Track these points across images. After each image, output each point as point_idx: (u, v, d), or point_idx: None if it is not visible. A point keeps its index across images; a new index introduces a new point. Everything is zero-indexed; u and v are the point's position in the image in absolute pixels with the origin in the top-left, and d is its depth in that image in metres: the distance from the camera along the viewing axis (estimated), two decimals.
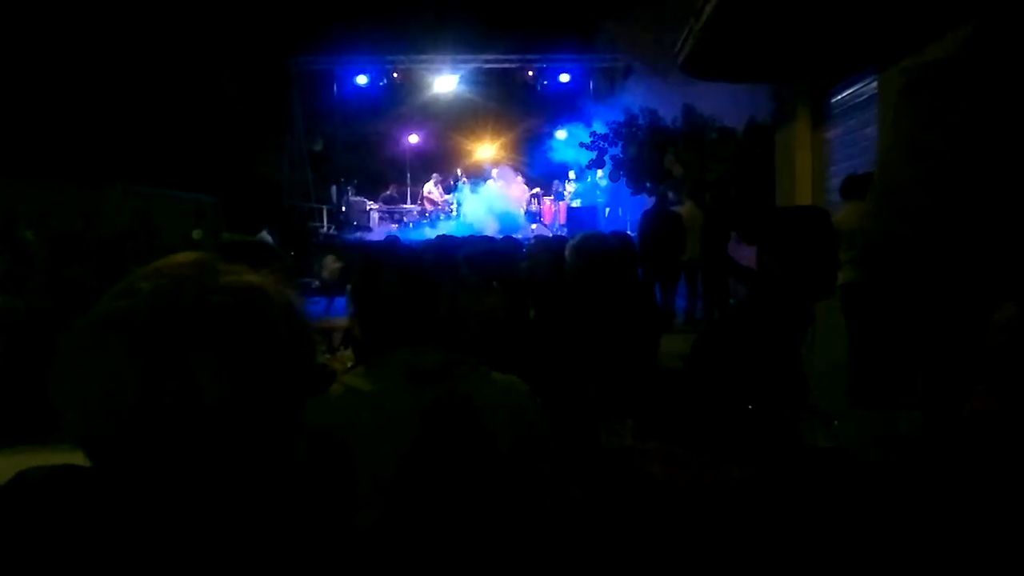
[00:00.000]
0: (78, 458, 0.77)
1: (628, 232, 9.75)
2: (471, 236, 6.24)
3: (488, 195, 15.87)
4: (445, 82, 17.05)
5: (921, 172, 1.88)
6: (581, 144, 14.14)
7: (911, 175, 1.90)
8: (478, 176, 16.82)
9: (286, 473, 0.83)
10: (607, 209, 14.92)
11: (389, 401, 1.65)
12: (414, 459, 1.61)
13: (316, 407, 1.61)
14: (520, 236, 9.80)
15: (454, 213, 15.77)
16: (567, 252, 3.47)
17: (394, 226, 15.66)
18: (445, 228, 13.78)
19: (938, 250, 1.94)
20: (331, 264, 8.73)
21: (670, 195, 10.45)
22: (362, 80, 16.64)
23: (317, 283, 9.46)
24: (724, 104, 11.03)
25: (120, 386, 0.72)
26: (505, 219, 15.24)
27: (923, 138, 1.89)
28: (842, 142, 7.99)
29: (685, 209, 9.56)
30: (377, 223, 15.98)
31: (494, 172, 16.49)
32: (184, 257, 0.82)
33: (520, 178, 16.83)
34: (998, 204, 1.82)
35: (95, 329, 0.76)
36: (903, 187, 1.92)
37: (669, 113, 12.46)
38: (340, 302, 8.37)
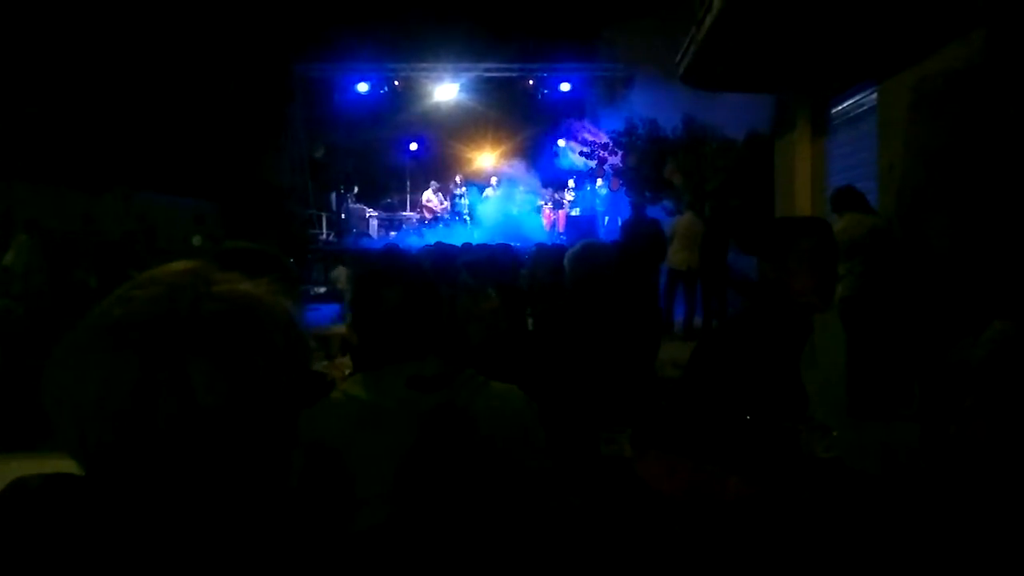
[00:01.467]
0: (74, 465, 0.77)
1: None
2: (466, 244, 6.23)
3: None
4: (446, 90, 17.10)
5: (937, 179, 1.89)
6: (580, 152, 14.16)
7: (928, 182, 1.90)
8: (484, 182, 16.71)
9: (280, 481, 0.83)
10: (606, 218, 14.94)
11: (388, 409, 1.65)
12: (412, 467, 1.60)
13: (314, 415, 1.61)
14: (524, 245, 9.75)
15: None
16: (566, 261, 3.47)
17: (393, 233, 15.67)
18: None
19: (954, 254, 1.94)
20: (343, 277, 8.77)
21: (668, 205, 10.48)
22: (363, 87, 16.69)
23: (321, 289, 9.47)
24: (724, 114, 11.06)
25: (114, 395, 0.72)
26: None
27: (938, 146, 1.90)
28: (841, 152, 8.02)
29: (684, 219, 9.59)
30: (376, 230, 16.00)
31: (493, 180, 16.48)
32: (179, 265, 0.82)
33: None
34: (1010, 210, 1.82)
35: (89, 337, 0.76)
36: (921, 194, 1.93)
37: (669, 123, 12.49)
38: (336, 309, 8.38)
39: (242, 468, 0.77)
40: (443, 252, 5.08)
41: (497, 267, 4.10)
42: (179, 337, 0.74)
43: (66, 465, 0.77)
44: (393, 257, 5.66)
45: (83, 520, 0.72)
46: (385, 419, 1.64)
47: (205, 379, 0.74)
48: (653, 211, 11.12)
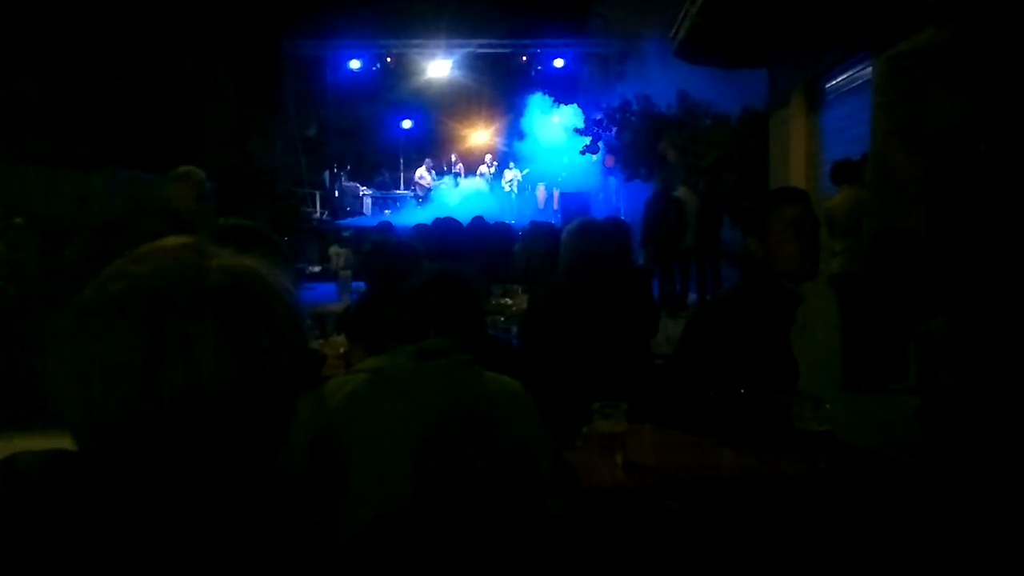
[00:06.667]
0: (65, 444, 0.77)
1: (622, 218, 9.74)
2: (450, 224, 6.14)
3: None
4: (439, 67, 16.96)
5: (917, 157, 1.88)
6: (575, 130, 14.09)
7: (907, 161, 1.90)
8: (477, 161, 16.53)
9: (278, 458, 0.83)
10: (600, 195, 14.92)
11: (396, 388, 1.66)
12: (420, 446, 1.61)
13: (322, 396, 1.62)
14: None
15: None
16: (562, 239, 3.45)
17: (387, 211, 15.62)
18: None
19: (936, 237, 1.95)
20: (342, 256, 8.78)
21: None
22: (355, 65, 16.54)
23: (316, 268, 9.45)
24: (718, 89, 11.00)
25: (123, 369, 0.72)
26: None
27: (917, 124, 1.89)
28: (836, 127, 7.98)
29: (680, 195, 9.57)
30: (370, 208, 15.96)
31: (487, 158, 16.39)
32: (174, 241, 0.81)
33: None
34: (991, 190, 1.82)
35: (93, 313, 0.75)
36: (899, 173, 1.92)
37: (663, 99, 12.42)
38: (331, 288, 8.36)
39: (245, 442, 0.77)
40: (445, 231, 5.02)
41: (492, 249, 4.09)
42: (186, 309, 0.74)
43: (56, 444, 0.77)
44: (390, 240, 5.64)
45: (84, 497, 0.72)
46: (393, 399, 1.65)
47: (213, 351, 0.73)
48: (644, 188, 11.08)
